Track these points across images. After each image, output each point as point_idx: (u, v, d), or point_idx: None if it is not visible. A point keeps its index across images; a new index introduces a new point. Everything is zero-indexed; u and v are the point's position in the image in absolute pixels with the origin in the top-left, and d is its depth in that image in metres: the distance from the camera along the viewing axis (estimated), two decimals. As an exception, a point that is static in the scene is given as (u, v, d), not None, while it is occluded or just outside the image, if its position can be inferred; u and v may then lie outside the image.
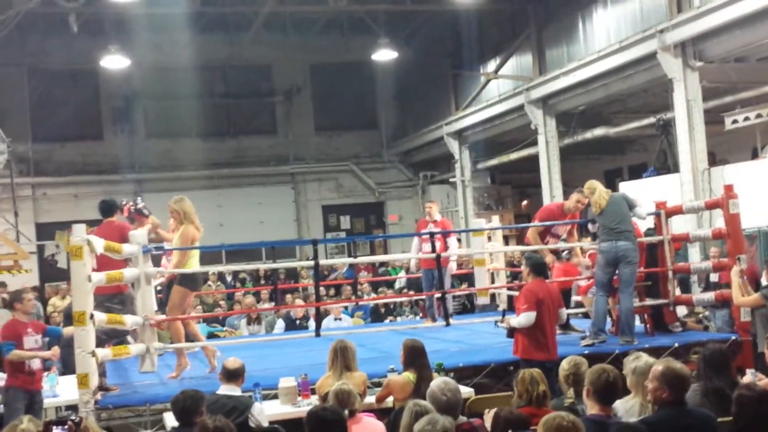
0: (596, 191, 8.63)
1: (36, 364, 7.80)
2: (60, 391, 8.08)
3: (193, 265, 8.67)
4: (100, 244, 7.35)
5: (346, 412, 5.22)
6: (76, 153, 22.16)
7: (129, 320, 7.76)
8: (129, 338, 8.68)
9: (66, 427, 4.10)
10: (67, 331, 8.82)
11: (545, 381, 5.35)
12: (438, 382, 5.35)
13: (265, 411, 6.42)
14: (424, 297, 11.55)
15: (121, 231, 8.19)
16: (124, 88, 21.96)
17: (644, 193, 11.39)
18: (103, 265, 7.76)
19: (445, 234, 10.89)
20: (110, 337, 7.84)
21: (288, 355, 9.38)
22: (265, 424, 6.15)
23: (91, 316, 7.06)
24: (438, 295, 10.91)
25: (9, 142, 18.69)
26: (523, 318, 7.35)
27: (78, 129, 22.00)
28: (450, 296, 11.09)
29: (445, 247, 10.71)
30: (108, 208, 8.48)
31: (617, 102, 16.26)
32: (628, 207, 8.61)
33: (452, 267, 11.26)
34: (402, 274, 16.25)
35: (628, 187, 13.69)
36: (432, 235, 10.49)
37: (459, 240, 20.20)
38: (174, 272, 8.64)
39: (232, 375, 6.38)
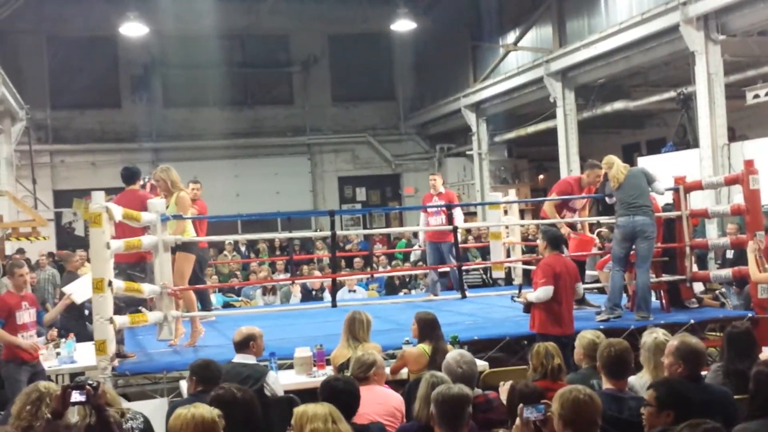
0: (614, 166, 8.57)
1: (32, 335, 7.63)
2: (77, 357, 8.15)
3: (190, 232, 8.66)
4: (118, 211, 7.39)
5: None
6: (95, 121, 22.23)
7: (147, 289, 7.81)
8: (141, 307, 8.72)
9: (84, 391, 4.13)
10: (47, 317, 8.88)
11: (560, 355, 5.35)
12: (453, 354, 5.37)
13: (280, 380, 6.47)
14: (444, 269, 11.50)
15: (142, 200, 8.22)
16: (142, 55, 21.97)
17: (663, 168, 11.31)
18: (124, 233, 7.80)
19: (451, 206, 10.68)
20: (128, 304, 7.89)
21: (303, 326, 9.42)
22: (280, 393, 6.19)
23: (110, 283, 7.11)
24: (443, 269, 10.99)
25: (27, 109, 18.82)
26: (541, 292, 7.33)
27: (96, 97, 22.02)
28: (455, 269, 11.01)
29: (450, 220, 10.59)
30: (130, 176, 8.49)
31: (638, 75, 16.11)
32: (646, 182, 8.55)
33: (458, 239, 11.16)
34: (416, 246, 16.25)
35: (646, 162, 13.60)
36: (449, 208, 10.47)
37: (474, 213, 20.33)
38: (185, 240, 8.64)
39: (240, 345, 6.42)
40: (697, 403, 4.23)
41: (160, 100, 22.62)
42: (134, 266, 8.01)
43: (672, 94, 14.72)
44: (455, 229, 9.60)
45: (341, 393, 4.69)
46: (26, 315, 7.61)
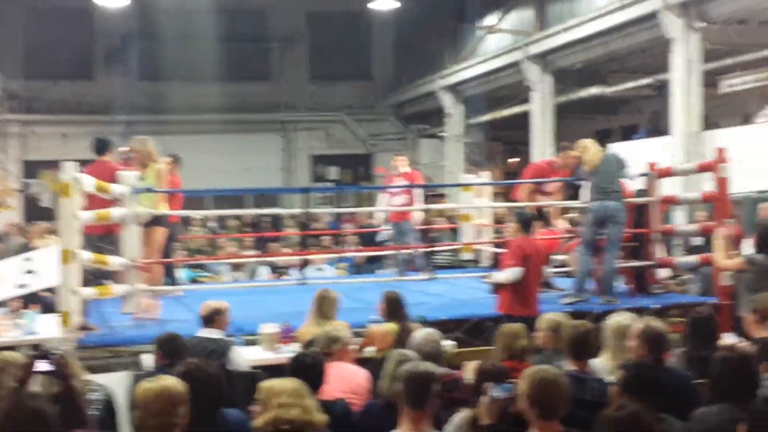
0: (590, 150, 8.60)
1: None
2: (39, 328, 8.06)
3: (164, 206, 8.60)
4: (89, 182, 7.31)
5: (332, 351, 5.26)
6: (68, 92, 21.94)
7: (114, 261, 7.75)
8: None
9: (50, 360, 4.11)
10: None
11: (527, 336, 5.38)
12: (421, 333, 5.40)
13: (244, 354, 6.46)
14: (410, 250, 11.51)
15: (113, 171, 8.15)
16: (119, 27, 21.64)
17: (634, 154, 11.36)
18: (94, 204, 7.73)
19: (411, 186, 10.91)
20: (96, 277, 7.82)
21: (271, 302, 9.37)
22: (244, 368, 6.18)
23: (76, 255, 7.05)
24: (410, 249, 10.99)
25: (1, 79, 18.55)
26: (510, 273, 7.38)
27: (70, 68, 21.72)
28: (418, 250, 11.00)
29: (411, 200, 10.78)
30: (102, 147, 8.42)
31: (615, 61, 16.14)
32: (620, 167, 8.61)
33: (416, 217, 11.16)
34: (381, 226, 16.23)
35: (618, 148, 13.64)
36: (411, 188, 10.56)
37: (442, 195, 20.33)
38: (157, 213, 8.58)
39: (206, 319, 6.40)
40: (660, 385, 4.26)
41: (134, 73, 22.30)
42: (103, 238, 7.95)
43: (648, 80, 14.78)
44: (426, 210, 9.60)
45: (309, 368, 4.69)
46: None
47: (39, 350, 4.32)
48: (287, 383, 4.15)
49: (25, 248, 11.50)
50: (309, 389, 4.19)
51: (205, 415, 4.28)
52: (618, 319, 5.40)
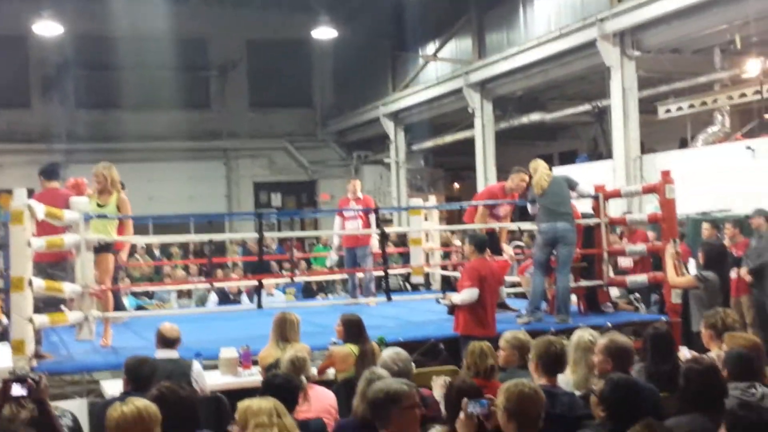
0: (538, 171, 8.78)
1: None
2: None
3: (113, 233, 8.50)
4: (41, 209, 7.19)
5: (303, 378, 5.24)
6: (3, 120, 21.52)
7: (68, 288, 7.62)
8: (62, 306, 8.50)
9: (26, 384, 4.04)
10: None
11: (494, 355, 5.44)
12: (389, 352, 5.44)
13: (203, 374, 6.43)
14: (361, 275, 11.52)
15: (64, 197, 8.02)
16: (55, 56, 21.43)
17: (577, 178, 11.61)
18: (44, 231, 7.59)
19: (367, 212, 10.82)
20: (47, 304, 7.67)
21: (225, 328, 9.30)
22: (206, 386, 6.15)
23: (30, 282, 6.92)
24: (360, 274, 10.98)
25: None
26: (466, 294, 7.46)
27: (5, 96, 21.32)
28: (371, 274, 11.00)
29: (367, 225, 10.74)
30: (51, 172, 8.28)
31: (554, 88, 16.56)
32: (569, 188, 8.80)
33: (374, 244, 11.09)
34: (332, 252, 16.22)
35: (560, 172, 13.95)
36: (368, 212, 10.58)
37: (390, 220, 20.44)
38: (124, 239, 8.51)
39: (170, 342, 6.36)
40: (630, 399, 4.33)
41: (72, 101, 22.06)
42: (55, 265, 7.81)
43: (587, 107, 15.17)
44: (383, 233, 9.65)
45: (281, 389, 4.69)
46: None
47: (13, 374, 4.22)
48: (265, 403, 4.14)
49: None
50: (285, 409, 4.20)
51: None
52: (581, 334, 5.51)
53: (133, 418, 3.87)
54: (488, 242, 8.61)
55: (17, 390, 4.02)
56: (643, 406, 4.15)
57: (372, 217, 10.76)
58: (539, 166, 8.89)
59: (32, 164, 14.49)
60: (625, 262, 10.17)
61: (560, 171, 13.85)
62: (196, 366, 6.33)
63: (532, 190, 8.83)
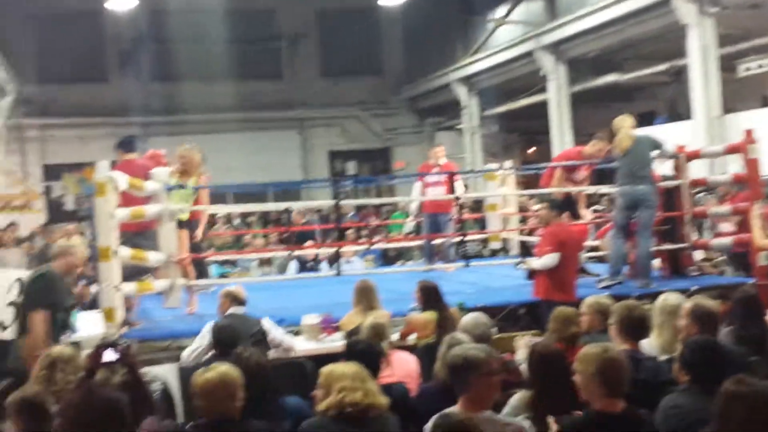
0: (621, 130, 8.59)
1: None
2: (82, 325, 8.13)
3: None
4: (123, 180, 7.39)
5: (384, 344, 5.30)
6: (83, 95, 22.02)
7: (152, 257, 7.82)
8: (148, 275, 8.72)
9: (117, 350, 4.18)
10: None
11: (578, 322, 5.39)
12: (469, 317, 5.46)
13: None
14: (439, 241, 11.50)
15: (143, 169, 8.21)
16: (130, 30, 21.77)
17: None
18: (127, 202, 7.79)
19: (451, 178, 10.57)
20: (134, 273, 7.88)
21: (305, 295, 9.44)
22: (280, 337, 6.46)
23: (116, 252, 7.13)
24: (438, 240, 10.91)
25: (16, 83, 18.67)
26: (547, 259, 7.42)
27: (84, 71, 21.88)
28: (451, 240, 10.81)
29: (451, 191, 10.49)
30: (128, 145, 8.47)
31: (629, 48, 16.15)
32: (652, 149, 8.62)
33: (454, 212, 10.88)
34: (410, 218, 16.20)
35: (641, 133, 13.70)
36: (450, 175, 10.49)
37: (466, 186, 20.32)
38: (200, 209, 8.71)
39: (242, 301, 6.73)
40: (715, 363, 4.26)
41: (147, 74, 22.42)
42: (139, 235, 8.02)
43: (664, 66, 14.79)
44: (458, 200, 9.61)
45: (364, 354, 4.75)
46: None
47: (104, 340, 4.37)
48: (348, 368, 4.22)
49: (47, 249, 11.68)
50: (369, 373, 4.26)
51: (260, 401, 4.37)
52: (667, 297, 5.43)
53: (215, 383, 4.00)
54: (567, 207, 8.54)
55: (109, 356, 4.17)
56: (729, 368, 4.08)
57: (458, 184, 10.64)
58: (624, 124, 8.66)
59: (111, 137, 14.78)
60: (725, 226, 9.90)
61: (638, 133, 13.68)
62: (264, 320, 6.63)
63: (614, 150, 8.66)
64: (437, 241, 11.00)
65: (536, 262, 7.58)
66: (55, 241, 12.25)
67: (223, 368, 4.10)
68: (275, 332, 6.59)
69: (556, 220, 7.67)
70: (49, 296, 6.36)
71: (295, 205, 13.63)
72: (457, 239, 10.43)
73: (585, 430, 3.88)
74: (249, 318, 6.62)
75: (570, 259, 7.50)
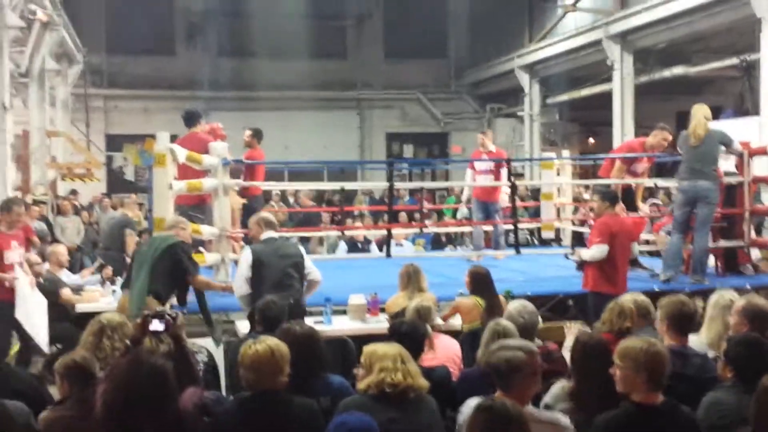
0: (696, 117, 8.41)
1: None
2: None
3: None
4: (182, 153, 7.48)
5: (428, 327, 5.30)
6: (149, 67, 22.40)
7: (206, 230, 7.92)
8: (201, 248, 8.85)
9: (163, 320, 4.25)
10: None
11: (633, 318, 5.31)
12: (516, 304, 5.41)
13: (336, 326, 6.68)
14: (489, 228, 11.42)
15: (204, 143, 8.30)
16: (198, 3, 22.06)
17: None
18: (185, 175, 7.90)
19: (500, 166, 10.55)
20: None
21: (354, 275, 9.49)
22: (316, 274, 6.76)
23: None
24: (488, 228, 10.81)
25: (85, 53, 19.01)
26: (596, 251, 7.32)
27: (151, 43, 22.23)
28: (501, 228, 10.77)
29: (499, 179, 10.48)
30: (192, 118, 8.57)
31: (699, 41, 15.80)
32: (721, 144, 8.44)
33: (503, 199, 10.84)
34: (463, 204, 16.11)
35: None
36: (500, 166, 10.41)
37: (522, 174, 20.17)
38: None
39: (273, 224, 7.01)
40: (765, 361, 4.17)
41: (214, 49, 22.68)
42: (194, 208, 8.14)
43: (734, 60, 14.44)
44: (513, 186, 9.51)
45: (407, 336, 4.76)
46: (15, 255, 7.48)
47: (152, 310, 4.44)
48: (390, 348, 4.23)
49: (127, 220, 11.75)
50: (410, 355, 4.26)
51: (306, 376, 4.40)
52: (722, 294, 5.34)
53: (265, 357, 4.02)
54: (624, 198, 8.42)
55: (155, 325, 4.23)
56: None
57: (504, 172, 10.56)
58: (699, 112, 8.47)
59: (176, 110, 14.96)
60: None
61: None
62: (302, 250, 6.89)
63: (685, 137, 8.47)
64: (487, 228, 10.89)
65: (585, 253, 7.48)
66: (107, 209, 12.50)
67: (273, 342, 4.13)
68: (308, 259, 6.85)
69: (608, 211, 7.55)
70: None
71: (348, 185, 13.57)
72: (508, 227, 10.36)
73: (625, 421, 3.83)
74: (284, 241, 6.93)
75: (620, 252, 7.38)
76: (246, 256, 6.64)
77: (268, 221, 6.93)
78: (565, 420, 3.83)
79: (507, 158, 10.91)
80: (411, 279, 6.83)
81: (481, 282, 6.78)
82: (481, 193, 10.76)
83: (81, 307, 7.90)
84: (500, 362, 3.91)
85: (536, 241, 13.90)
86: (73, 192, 16.37)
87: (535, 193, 14.31)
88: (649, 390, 3.84)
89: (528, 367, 3.91)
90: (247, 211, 9.71)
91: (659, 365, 3.85)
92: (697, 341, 5.19)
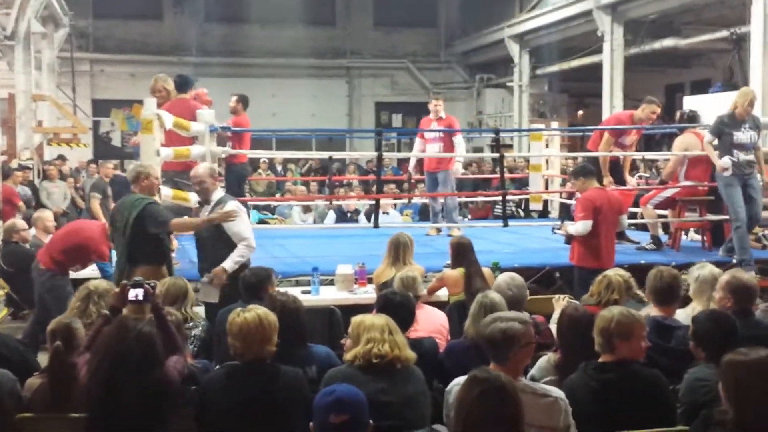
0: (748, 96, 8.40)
1: None
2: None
3: None
4: (169, 119, 7.43)
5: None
6: (136, 32, 22.20)
7: (193, 198, 7.88)
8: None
9: (142, 290, 4.25)
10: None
11: (622, 292, 5.32)
12: (504, 276, 5.42)
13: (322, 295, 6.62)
14: (476, 199, 11.35)
15: (192, 109, 8.24)
16: (187, -32, 21.82)
17: (710, 108, 11.14)
18: (172, 141, 7.85)
19: (450, 133, 10.05)
20: (175, 213, 7.94)
21: (342, 245, 9.50)
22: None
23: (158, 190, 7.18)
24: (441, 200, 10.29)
25: (71, 16, 18.80)
26: (580, 226, 7.31)
27: (139, 7, 21.99)
28: (455, 201, 10.37)
29: (450, 148, 10.04)
30: (183, 84, 8.49)
31: (690, 12, 15.77)
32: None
33: (458, 169, 10.44)
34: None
35: (692, 102, 13.40)
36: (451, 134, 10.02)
37: (510, 145, 20.15)
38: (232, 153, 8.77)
39: None
40: (743, 338, 4.19)
41: (202, 14, 22.46)
42: (181, 174, 8.07)
43: (725, 33, 14.42)
44: (501, 157, 9.40)
45: (398, 306, 4.76)
46: None
47: (132, 280, 4.43)
48: (378, 319, 4.22)
49: (102, 184, 11.94)
50: (398, 327, 4.27)
51: (291, 346, 4.40)
52: (702, 269, 5.36)
53: (255, 325, 4.01)
54: (611, 171, 8.40)
55: (133, 294, 4.24)
56: (748, 344, 4.01)
57: (457, 140, 10.12)
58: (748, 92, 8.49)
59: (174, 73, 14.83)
60: None
61: (692, 101, 13.39)
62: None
63: (728, 117, 8.40)
64: (440, 201, 10.43)
65: (571, 228, 7.47)
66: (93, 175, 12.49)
67: (261, 311, 4.11)
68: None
69: (589, 185, 7.53)
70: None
71: (337, 155, 13.49)
72: (497, 198, 10.32)
73: (581, 380, 3.99)
74: None
75: (605, 226, 7.31)
76: (242, 208, 6.54)
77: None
78: (559, 392, 3.85)
79: (458, 128, 10.48)
80: (398, 250, 6.81)
81: (462, 252, 6.74)
82: (428, 162, 10.39)
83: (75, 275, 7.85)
84: (495, 333, 3.91)
85: (522, 213, 13.92)
86: (61, 158, 16.25)
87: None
88: (604, 350, 4.03)
89: (524, 338, 3.92)
90: (236, 178, 9.71)
91: (606, 328, 4.03)
92: (684, 315, 5.20)
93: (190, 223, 6.57)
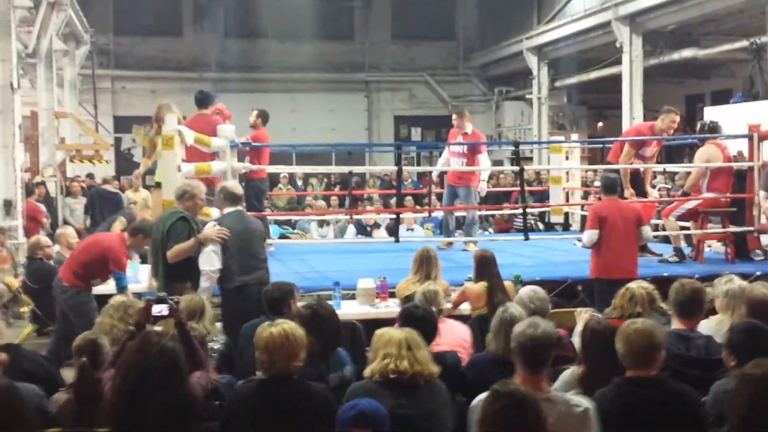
0: None
1: None
2: (142, 277, 8.31)
3: None
4: (190, 135, 7.46)
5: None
6: (156, 48, 22.39)
7: (215, 213, 7.90)
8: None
9: (167, 306, 4.27)
10: None
11: (645, 305, 5.28)
12: (527, 290, 5.40)
13: (344, 309, 6.65)
14: (497, 212, 11.31)
15: (213, 125, 8.28)
16: (207, -15, 21.99)
17: (730, 119, 11.09)
18: (193, 157, 7.88)
19: (475, 150, 10.04)
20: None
21: (364, 259, 9.49)
22: None
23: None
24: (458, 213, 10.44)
25: (92, 33, 18.97)
26: (585, 236, 7.31)
27: (159, 24, 22.17)
28: (474, 216, 10.36)
29: (473, 163, 10.03)
30: (204, 100, 8.54)
31: (710, 23, 15.71)
32: None
33: (483, 188, 10.31)
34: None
35: (713, 113, 13.35)
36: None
37: (530, 158, 20.08)
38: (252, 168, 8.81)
39: (238, 198, 6.82)
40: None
41: (221, 30, 22.62)
42: (203, 190, 8.09)
43: (744, 43, 14.35)
44: (521, 171, 9.35)
45: (420, 320, 4.75)
46: None
47: (157, 296, 4.46)
48: (396, 334, 4.20)
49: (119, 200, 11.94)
50: (423, 341, 4.26)
51: (322, 355, 4.47)
52: (731, 283, 5.31)
53: (281, 340, 4.00)
54: (632, 183, 8.35)
55: (157, 310, 4.26)
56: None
57: (482, 158, 10.12)
58: None
59: (184, 92, 14.97)
60: None
61: (713, 112, 13.34)
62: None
63: None
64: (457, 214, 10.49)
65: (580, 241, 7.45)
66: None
67: (288, 326, 4.09)
68: None
69: (604, 196, 7.52)
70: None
71: (357, 169, 13.50)
72: (518, 211, 10.29)
73: (614, 394, 3.93)
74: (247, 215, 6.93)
75: (616, 237, 7.24)
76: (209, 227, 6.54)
77: (232, 194, 6.77)
78: (588, 402, 3.84)
79: (484, 141, 10.52)
80: (424, 264, 6.79)
81: (484, 266, 6.73)
82: (450, 176, 10.42)
83: (94, 290, 7.89)
84: (526, 341, 3.91)
85: (541, 226, 13.88)
86: (90, 175, 16.39)
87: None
88: (633, 366, 3.94)
89: (554, 346, 3.93)
90: (255, 193, 9.74)
91: (636, 342, 3.95)
92: (712, 328, 5.15)
93: (184, 248, 6.42)
